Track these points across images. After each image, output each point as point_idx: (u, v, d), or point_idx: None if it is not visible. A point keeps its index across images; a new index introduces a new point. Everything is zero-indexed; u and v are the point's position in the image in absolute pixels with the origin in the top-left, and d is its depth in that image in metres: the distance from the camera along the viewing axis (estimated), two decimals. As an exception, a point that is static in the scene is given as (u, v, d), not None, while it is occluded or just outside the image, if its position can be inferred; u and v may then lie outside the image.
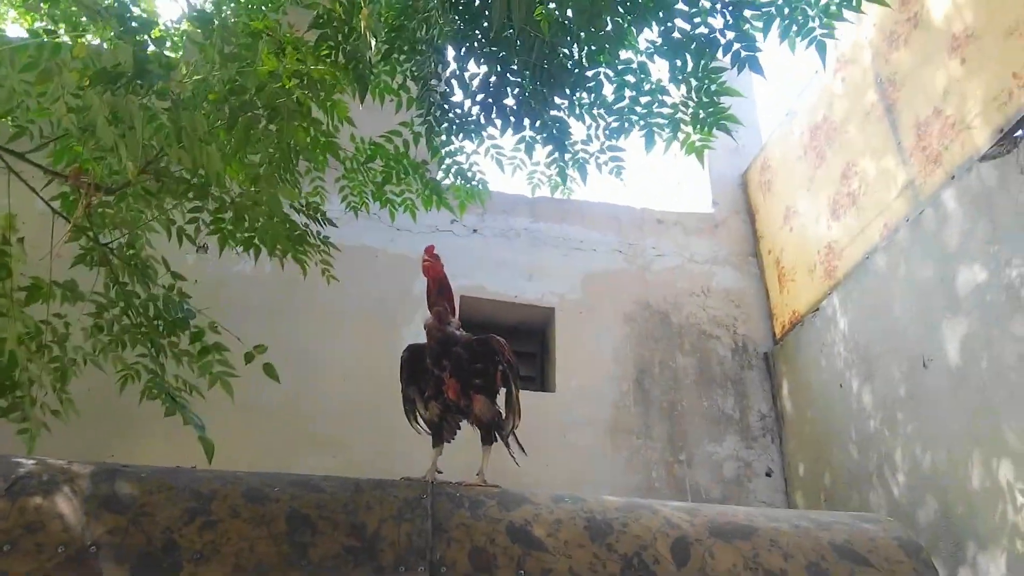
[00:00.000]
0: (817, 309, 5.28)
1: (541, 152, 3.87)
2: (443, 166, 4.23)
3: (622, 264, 5.97)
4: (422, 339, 5.24)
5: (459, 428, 3.63)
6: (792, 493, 5.26)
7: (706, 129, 3.95)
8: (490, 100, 3.41)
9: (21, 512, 2.50)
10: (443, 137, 3.84)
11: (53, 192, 2.82)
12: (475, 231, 5.81)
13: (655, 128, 3.69)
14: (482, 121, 3.53)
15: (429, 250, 3.50)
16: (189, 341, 3.13)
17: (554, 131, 3.44)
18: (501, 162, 4.19)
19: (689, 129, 3.99)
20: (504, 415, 3.46)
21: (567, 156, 3.60)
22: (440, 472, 3.43)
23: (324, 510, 2.97)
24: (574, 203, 6.19)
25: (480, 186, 4.38)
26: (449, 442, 3.64)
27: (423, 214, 5.80)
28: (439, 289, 3.41)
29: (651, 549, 3.01)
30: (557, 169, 3.66)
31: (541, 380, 5.62)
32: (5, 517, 2.45)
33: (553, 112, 3.37)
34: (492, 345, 3.40)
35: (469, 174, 4.22)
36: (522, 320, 5.75)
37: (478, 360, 3.39)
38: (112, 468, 2.88)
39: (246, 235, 3.27)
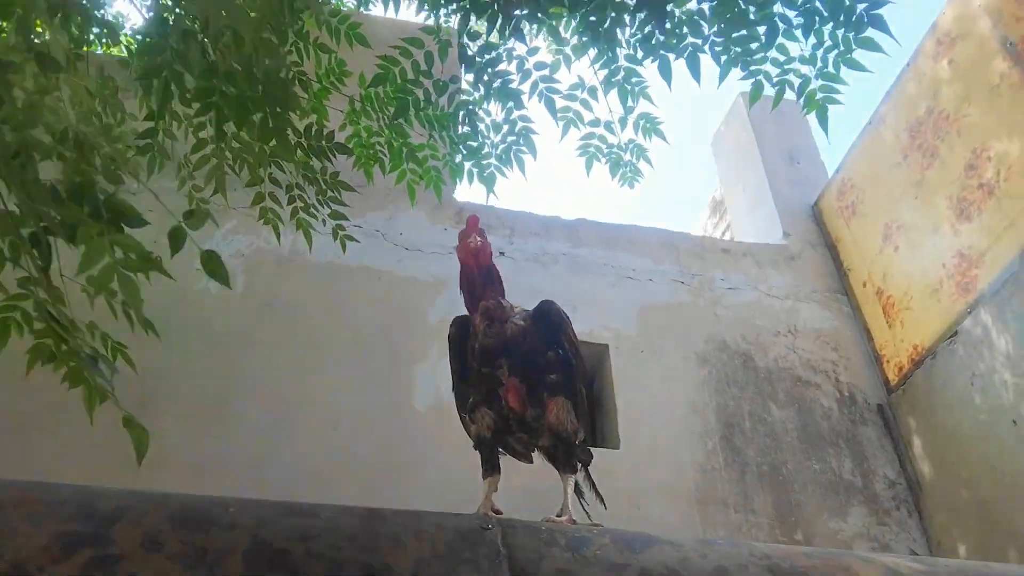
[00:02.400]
0: (955, 333, 4.06)
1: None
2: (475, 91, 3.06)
3: (686, 296, 4.75)
4: (440, 375, 3.91)
5: (534, 448, 2.38)
6: (950, 585, 3.82)
7: (843, 51, 2.81)
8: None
9: None
10: (480, 41, 2.75)
11: None
12: (502, 254, 4.60)
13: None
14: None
15: (473, 223, 2.32)
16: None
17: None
18: (553, 103, 3.05)
19: (808, 70, 2.90)
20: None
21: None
22: (499, 512, 2.12)
23: (316, 543, 1.59)
24: (620, 228, 5.05)
25: (521, 142, 3.21)
26: (529, 463, 2.44)
27: (435, 231, 4.64)
28: (486, 279, 2.23)
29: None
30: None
31: (595, 433, 4.25)
32: None
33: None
34: (552, 316, 2.24)
35: (511, 86, 3.02)
36: (568, 360, 4.43)
37: (546, 346, 2.23)
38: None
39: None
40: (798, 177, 5.78)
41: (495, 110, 3.21)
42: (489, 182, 3.36)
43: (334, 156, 2.91)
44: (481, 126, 3.21)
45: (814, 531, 3.90)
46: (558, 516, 2.17)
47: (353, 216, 4.51)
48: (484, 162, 3.25)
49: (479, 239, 2.24)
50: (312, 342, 3.94)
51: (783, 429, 4.27)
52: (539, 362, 2.20)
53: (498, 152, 3.23)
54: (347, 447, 3.63)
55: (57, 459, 3.30)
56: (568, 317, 2.35)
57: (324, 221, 3.00)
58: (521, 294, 4.27)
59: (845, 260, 5.17)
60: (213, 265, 1.73)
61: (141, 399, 3.52)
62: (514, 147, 3.18)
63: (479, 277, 2.24)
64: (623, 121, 3.23)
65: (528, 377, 2.19)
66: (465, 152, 3.37)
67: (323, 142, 2.83)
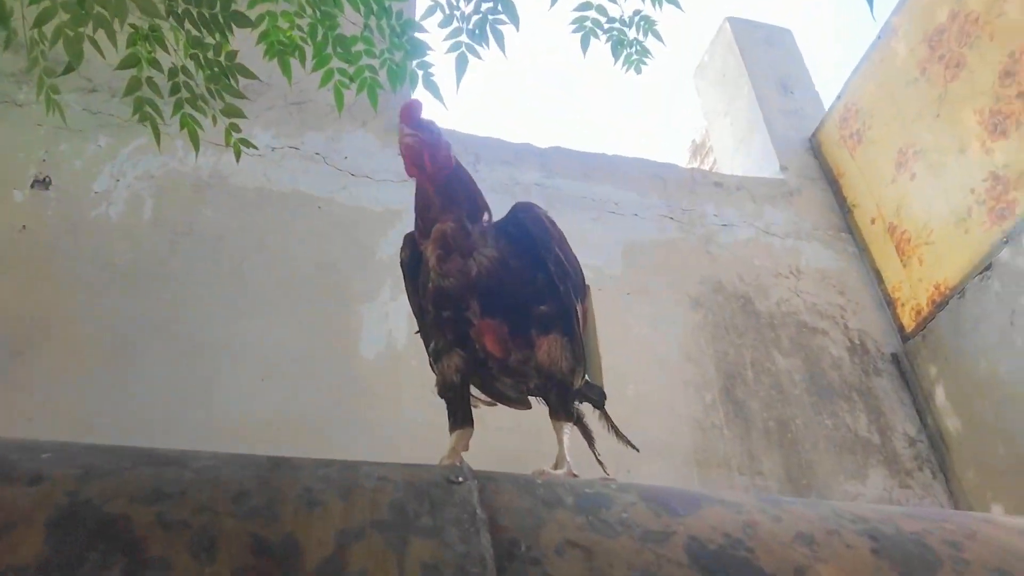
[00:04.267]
0: (989, 267, 3.53)
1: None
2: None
3: (675, 233, 4.16)
4: (393, 318, 3.31)
5: (524, 391, 1.89)
6: (984, 554, 3.32)
7: None
8: None
9: None
10: None
11: None
12: (466, 183, 3.96)
13: None
14: None
15: (407, 112, 1.62)
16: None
17: None
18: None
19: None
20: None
21: None
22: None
23: (175, 506, 0.87)
24: (600, 157, 4.44)
25: (499, 9, 2.55)
26: (527, 408, 1.98)
27: (386, 156, 3.97)
28: (445, 193, 1.67)
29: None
30: None
31: (579, 388, 3.68)
32: None
33: None
34: (531, 226, 1.71)
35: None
36: (543, 303, 3.83)
37: (531, 267, 1.67)
38: None
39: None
40: (793, 107, 5.22)
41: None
42: (434, 88, 2.68)
43: (230, 32, 2.22)
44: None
45: (830, 495, 3.36)
46: (555, 467, 1.60)
47: (289, 137, 3.86)
48: (456, 39, 2.57)
49: (410, 133, 1.58)
50: (236, 278, 3.27)
51: (790, 380, 3.72)
52: (523, 291, 1.62)
53: (470, 26, 2.56)
54: (280, 403, 2.98)
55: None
56: (552, 221, 1.77)
57: (214, 119, 2.31)
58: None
59: (849, 195, 4.62)
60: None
61: (16, 346, 2.83)
62: (491, 16, 2.52)
63: (432, 189, 1.62)
64: (627, -13, 2.60)
65: (509, 313, 1.61)
66: (409, 48, 2.70)
67: (217, 9, 2.14)
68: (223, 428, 2.85)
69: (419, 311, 1.83)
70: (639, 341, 3.62)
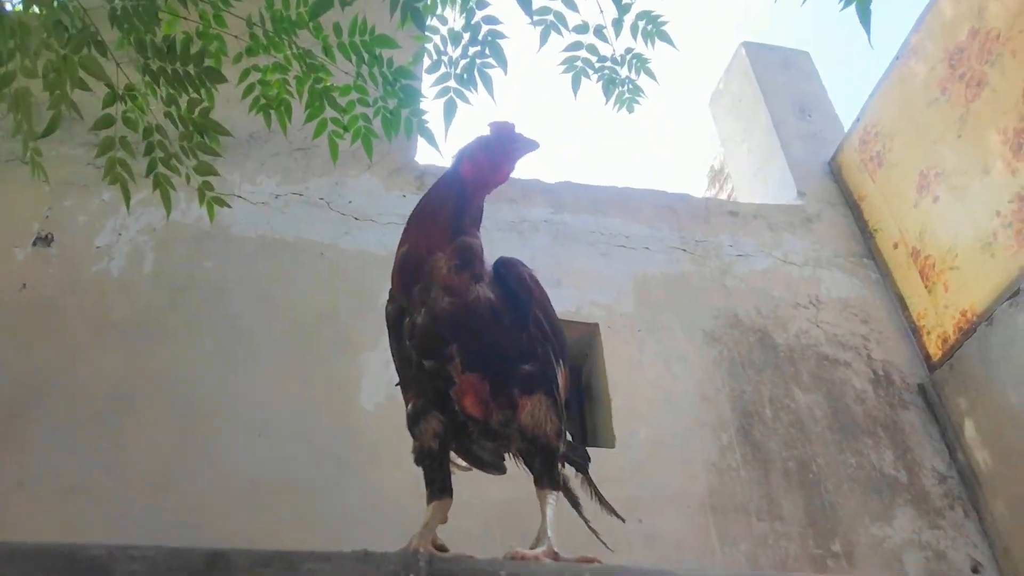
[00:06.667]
0: (1017, 292, 3.35)
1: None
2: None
3: (688, 266, 4.05)
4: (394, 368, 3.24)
5: (506, 453, 1.85)
6: (1024, 600, 3.13)
7: None
8: None
9: None
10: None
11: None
12: (472, 223, 3.90)
13: None
14: None
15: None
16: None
17: None
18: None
19: None
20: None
21: None
22: (442, 548, 1.42)
23: None
24: (610, 190, 4.35)
25: (487, 52, 2.49)
26: (501, 474, 1.90)
27: (391, 198, 3.94)
28: (479, 211, 1.76)
29: None
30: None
31: (584, 430, 3.57)
32: None
33: None
34: (511, 282, 1.68)
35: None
36: (551, 344, 3.74)
37: (519, 324, 1.65)
38: None
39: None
40: (811, 131, 5.08)
41: (451, 16, 2.53)
42: (429, 135, 2.65)
43: (204, 88, 2.20)
44: (435, 38, 2.51)
45: (855, 539, 3.20)
46: (537, 546, 1.51)
47: (293, 183, 3.85)
48: (444, 84, 2.52)
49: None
50: (236, 332, 3.24)
51: (810, 417, 3.57)
52: (509, 348, 1.58)
53: (458, 71, 2.52)
54: (277, 458, 2.93)
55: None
56: (535, 280, 1.71)
57: (188, 178, 2.29)
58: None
59: (871, 220, 4.47)
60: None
61: (14, 409, 2.82)
62: (478, 60, 2.48)
63: (476, 199, 1.67)
64: (617, 25, 2.55)
65: (492, 369, 1.56)
66: (402, 96, 2.67)
67: (189, 65, 2.12)
68: (220, 488, 2.81)
69: (401, 365, 1.78)
70: (651, 381, 3.51)
